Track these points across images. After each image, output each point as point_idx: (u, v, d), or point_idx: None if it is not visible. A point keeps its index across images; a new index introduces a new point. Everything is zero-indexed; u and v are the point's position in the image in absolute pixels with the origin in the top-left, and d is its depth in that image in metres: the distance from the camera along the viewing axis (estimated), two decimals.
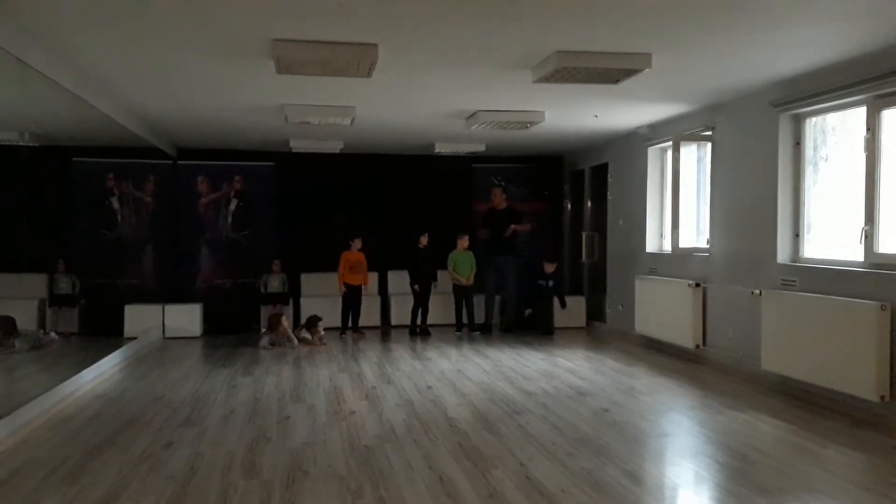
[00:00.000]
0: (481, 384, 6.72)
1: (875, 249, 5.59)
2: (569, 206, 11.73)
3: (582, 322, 10.69)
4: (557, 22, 4.68)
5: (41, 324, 9.68)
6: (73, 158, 10.06)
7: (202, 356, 8.48)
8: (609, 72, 5.59)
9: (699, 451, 4.75)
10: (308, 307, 9.95)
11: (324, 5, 4.36)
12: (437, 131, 9.14)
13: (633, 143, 9.26)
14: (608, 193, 10.21)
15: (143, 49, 5.37)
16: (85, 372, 6.67)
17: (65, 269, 9.91)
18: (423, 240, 10.02)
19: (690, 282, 7.78)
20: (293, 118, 7.61)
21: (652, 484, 4.13)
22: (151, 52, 5.43)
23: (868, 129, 5.63)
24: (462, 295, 10.17)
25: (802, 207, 6.49)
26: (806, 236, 6.49)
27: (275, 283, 10.36)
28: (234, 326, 10.17)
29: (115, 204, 10.40)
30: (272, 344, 8.88)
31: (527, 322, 10.21)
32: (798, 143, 6.51)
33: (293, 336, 9.03)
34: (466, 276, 10.10)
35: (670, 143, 8.27)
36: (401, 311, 10.45)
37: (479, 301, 10.26)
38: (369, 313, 10.31)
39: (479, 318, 10.22)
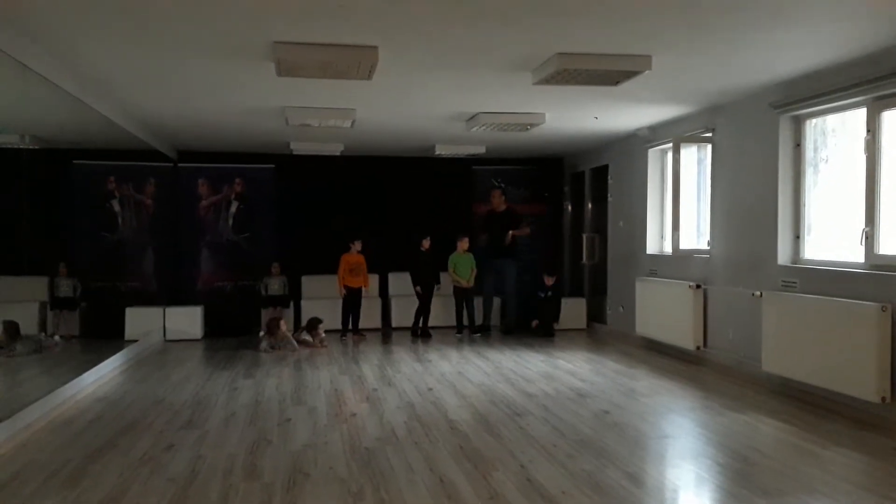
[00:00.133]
0: (482, 386, 6.71)
1: (875, 251, 5.59)
2: (569, 207, 11.73)
3: (582, 324, 10.69)
4: (558, 24, 4.69)
5: (42, 327, 9.69)
6: (74, 161, 10.07)
7: (203, 359, 8.48)
8: (609, 73, 5.60)
9: (700, 453, 4.74)
10: (309, 309, 9.95)
11: (324, 7, 4.37)
12: (437, 133, 9.14)
13: (634, 145, 9.27)
14: (608, 195, 10.21)
15: (143, 51, 5.37)
16: (86, 375, 6.67)
17: (66, 272, 9.91)
18: (426, 243, 10.02)
19: (691, 283, 7.78)
20: (294, 120, 7.62)
21: (653, 486, 4.13)
22: (152, 54, 5.44)
23: (868, 131, 5.63)
24: (462, 297, 10.16)
25: (803, 209, 6.49)
26: (806, 238, 6.49)
27: (275, 286, 10.36)
28: (234, 329, 10.16)
29: (116, 206, 10.41)
30: (272, 347, 8.88)
31: (531, 328, 10.17)
32: (798, 145, 6.51)
33: (292, 339, 9.03)
34: (467, 279, 10.10)
35: (671, 144, 8.27)
36: (402, 314, 10.45)
37: (479, 303, 10.26)
38: (370, 315, 10.32)
39: (480, 319, 10.23)
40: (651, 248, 9.06)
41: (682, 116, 8.02)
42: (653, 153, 9.00)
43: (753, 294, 6.73)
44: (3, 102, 7.42)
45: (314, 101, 7.13)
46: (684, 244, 8.13)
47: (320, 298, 10.21)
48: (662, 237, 8.95)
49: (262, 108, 7.39)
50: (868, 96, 5.55)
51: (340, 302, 9.93)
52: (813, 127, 6.43)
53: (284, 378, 7.19)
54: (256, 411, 5.79)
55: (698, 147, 8.16)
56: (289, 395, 6.39)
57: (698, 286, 7.74)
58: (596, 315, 10.70)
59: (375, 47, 5.13)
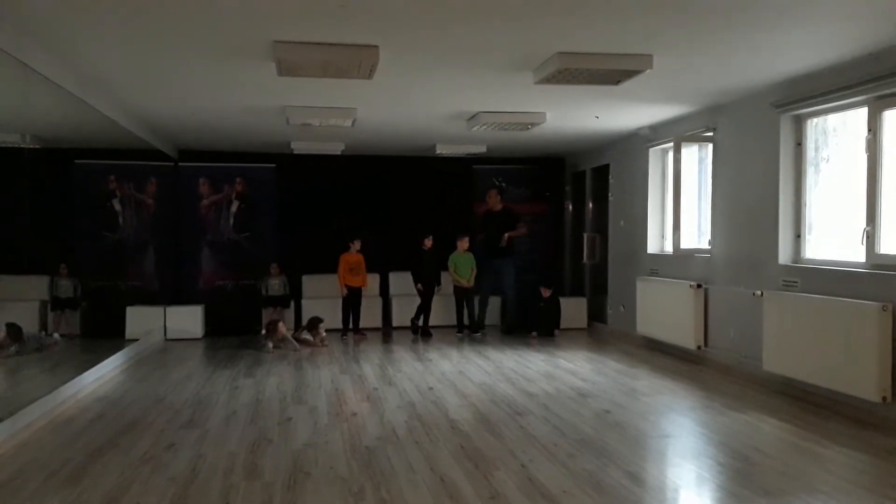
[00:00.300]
0: (483, 385, 6.71)
1: (876, 250, 5.58)
2: (570, 207, 11.73)
3: (583, 323, 10.69)
4: (558, 23, 4.68)
5: (43, 326, 9.70)
6: (75, 160, 10.08)
7: (204, 358, 8.49)
8: (610, 73, 5.60)
9: (701, 453, 4.74)
10: (309, 309, 9.95)
11: (324, 7, 4.37)
12: (438, 133, 9.14)
13: (635, 144, 9.26)
14: (609, 194, 10.21)
15: (144, 51, 5.37)
16: (86, 374, 6.67)
17: (66, 271, 9.92)
18: (427, 242, 10.02)
19: (692, 283, 7.78)
20: (294, 120, 7.62)
21: (653, 485, 4.13)
22: (153, 53, 5.44)
23: (869, 130, 5.62)
24: (463, 296, 10.16)
25: (804, 208, 6.49)
26: (807, 237, 6.49)
27: (275, 286, 10.36)
28: (235, 328, 10.17)
29: (117, 206, 10.41)
30: (275, 347, 8.88)
31: (529, 327, 10.14)
32: (799, 144, 6.50)
33: (292, 339, 9.03)
34: (467, 278, 10.10)
35: (671, 143, 8.27)
36: (402, 313, 10.45)
37: (477, 302, 10.26)
38: (371, 315, 10.32)
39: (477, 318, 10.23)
40: (652, 247, 9.05)
41: (683, 116, 8.02)
42: (654, 152, 8.99)
43: (754, 293, 6.73)
44: (5, 102, 7.42)
45: (315, 100, 7.13)
46: (685, 243, 8.13)
47: (321, 298, 10.22)
48: (663, 236, 8.95)
49: (263, 107, 7.39)
50: (869, 96, 5.55)
51: (341, 301, 9.94)
52: (814, 126, 6.43)
53: (285, 377, 7.19)
54: (257, 410, 5.79)
55: (699, 146, 8.16)
56: (289, 395, 6.39)
57: (699, 286, 7.73)
58: (597, 314, 10.70)
59: (376, 47, 5.12)
